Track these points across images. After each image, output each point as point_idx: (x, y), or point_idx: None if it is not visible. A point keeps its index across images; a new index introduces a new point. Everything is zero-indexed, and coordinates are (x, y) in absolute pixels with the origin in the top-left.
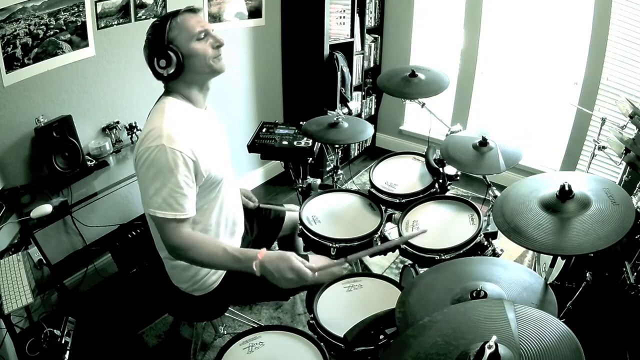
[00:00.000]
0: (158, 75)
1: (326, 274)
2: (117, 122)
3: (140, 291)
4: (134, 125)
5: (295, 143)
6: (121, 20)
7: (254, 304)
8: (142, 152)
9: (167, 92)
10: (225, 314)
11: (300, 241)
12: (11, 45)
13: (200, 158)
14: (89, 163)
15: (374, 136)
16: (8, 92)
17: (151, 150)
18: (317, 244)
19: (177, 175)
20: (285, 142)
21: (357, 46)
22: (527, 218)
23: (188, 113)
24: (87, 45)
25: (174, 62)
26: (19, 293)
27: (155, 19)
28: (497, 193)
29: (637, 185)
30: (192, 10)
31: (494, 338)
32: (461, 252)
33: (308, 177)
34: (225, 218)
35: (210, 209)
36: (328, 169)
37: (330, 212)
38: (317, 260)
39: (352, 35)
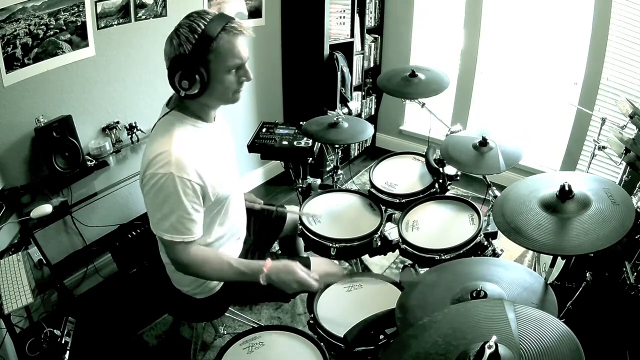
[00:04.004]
0: (175, 89)
1: (328, 277)
2: (117, 122)
3: (140, 291)
4: (134, 125)
5: (295, 143)
6: (121, 20)
7: (254, 304)
8: (150, 177)
9: (176, 104)
10: (225, 314)
11: (301, 242)
12: (11, 45)
13: (208, 183)
14: (89, 163)
15: (374, 136)
16: (8, 92)
17: (159, 177)
18: (317, 244)
19: (185, 203)
20: (285, 142)
21: (357, 46)
22: (527, 218)
23: (197, 133)
24: (87, 45)
25: (198, 86)
26: (19, 293)
27: (195, 20)
28: (497, 193)
29: (637, 185)
30: (239, 32)
31: (494, 338)
32: (461, 252)
33: (308, 177)
34: (229, 229)
35: (214, 222)
36: (328, 169)
37: (330, 212)
38: (319, 263)
39: (352, 35)
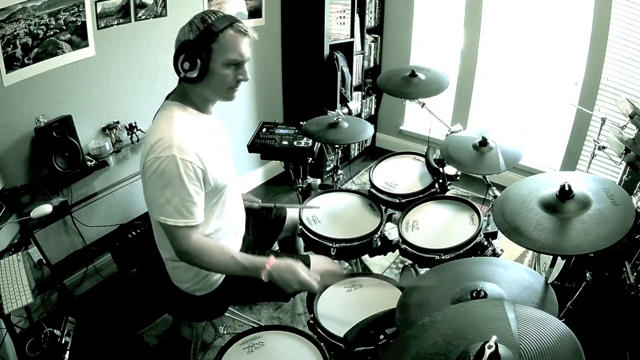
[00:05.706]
0: (177, 71)
1: (329, 277)
2: (117, 122)
3: (140, 291)
4: (134, 125)
5: (295, 143)
6: (121, 20)
7: (254, 304)
8: (152, 162)
9: (177, 94)
10: (225, 314)
11: (300, 242)
12: (11, 45)
13: (208, 167)
14: (89, 163)
15: (374, 136)
16: (8, 92)
17: (161, 160)
18: (317, 244)
19: (188, 185)
20: (285, 142)
21: (357, 46)
22: (527, 218)
23: (195, 121)
24: (87, 45)
25: (197, 71)
26: (19, 293)
27: (207, 14)
28: (497, 193)
29: (637, 185)
30: (244, 32)
31: (494, 338)
32: (461, 252)
33: (308, 177)
34: (225, 222)
35: (212, 213)
36: (328, 169)
37: (330, 212)
38: (318, 261)
39: (352, 35)
